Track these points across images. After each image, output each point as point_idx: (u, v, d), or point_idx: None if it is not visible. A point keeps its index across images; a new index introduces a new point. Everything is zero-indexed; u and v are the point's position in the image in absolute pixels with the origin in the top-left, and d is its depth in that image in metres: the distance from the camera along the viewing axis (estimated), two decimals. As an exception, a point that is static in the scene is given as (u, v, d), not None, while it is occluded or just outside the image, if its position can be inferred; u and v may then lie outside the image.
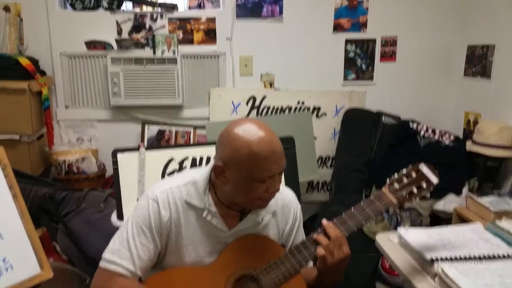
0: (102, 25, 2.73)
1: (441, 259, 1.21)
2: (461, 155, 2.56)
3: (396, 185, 1.27)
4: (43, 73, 2.62)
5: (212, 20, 2.82)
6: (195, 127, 2.87)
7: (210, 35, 2.84)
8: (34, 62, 2.53)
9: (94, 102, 2.80)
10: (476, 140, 2.43)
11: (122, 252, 1.19)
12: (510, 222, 1.44)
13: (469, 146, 2.48)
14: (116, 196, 1.91)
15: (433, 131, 2.73)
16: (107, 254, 1.21)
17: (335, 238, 1.20)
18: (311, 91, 2.92)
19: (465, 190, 2.47)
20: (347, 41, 2.96)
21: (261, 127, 1.15)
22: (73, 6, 2.73)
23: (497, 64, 2.60)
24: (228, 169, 1.16)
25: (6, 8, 2.53)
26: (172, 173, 1.98)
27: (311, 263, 1.26)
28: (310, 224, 2.67)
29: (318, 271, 1.25)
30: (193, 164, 2.03)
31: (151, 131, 2.83)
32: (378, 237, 1.51)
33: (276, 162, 1.14)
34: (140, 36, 2.75)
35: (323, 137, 2.95)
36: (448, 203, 2.39)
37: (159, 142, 2.83)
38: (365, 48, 2.99)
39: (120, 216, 1.88)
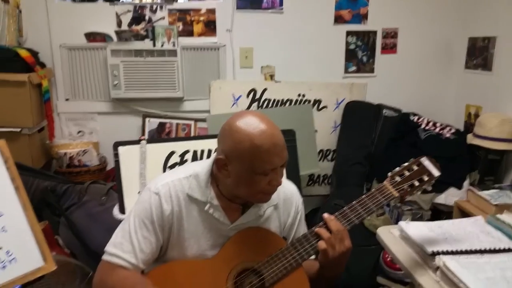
0: (102, 17, 2.71)
1: (443, 252, 1.22)
2: (462, 148, 2.56)
3: (398, 178, 1.27)
4: (43, 65, 2.60)
5: (212, 11, 2.80)
6: (195, 120, 2.87)
7: (210, 27, 2.82)
8: (34, 54, 2.51)
9: (95, 94, 2.79)
10: (477, 133, 2.43)
11: (124, 245, 1.20)
12: (511, 216, 1.44)
13: (470, 139, 2.48)
14: (118, 189, 1.91)
15: (434, 124, 2.73)
16: (109, 248, 1.21)
17: (336, 231, 1.20)
18: (311, 83, 2.91)
19: (466, 183, 2.47)
20: (348, 33, 2.95)
21: (262, 119, 1.15)
22: (72, -3, 2.71)
23: (498, 56, 2.59)
24: (230, 162, 1.16)
25: (5, 0, 2.51)
26: (173, 166, 1.99)
27: (313, 257, 1.26)
28: (311, 217, 2.67)
29: (320, 264, 1.26)
30: (194, 156, 2.03)
31: (152, 123, 2.83)
32: (379, 230, 1.52)
33: (278, 154, 1.14)
34: (139, 27, 2.73)
35: (324, 130, 2.95)
36: (449, 197, 2.40)
37: (159, 135, 2.83)
38: (366, 40, 2.98)
39: (122, 209, 1.88)
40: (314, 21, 2.90)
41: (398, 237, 1.44)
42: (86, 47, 2.72)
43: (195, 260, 1.24)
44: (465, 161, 2.54)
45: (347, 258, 1.23)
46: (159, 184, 1.25)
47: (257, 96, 2.87)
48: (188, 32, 2.81)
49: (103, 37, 2.70)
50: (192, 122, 2.87)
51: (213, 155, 1.25)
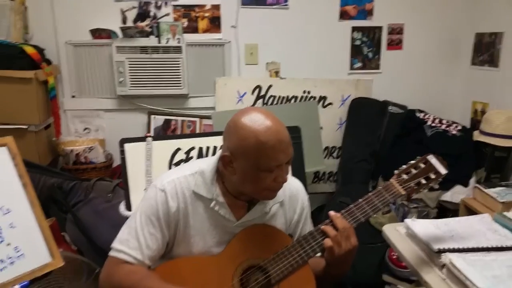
0: (107, 13, 2.71)
1: (449, 250, 1.21)
2: (468, 145, 2.55)
3: (404, 176, 1.27)
4: (49, 62, 2.61)
5: (216, 7, 2.80)
6: (201, 117, 2.87)
7: (215, 23, 2.82)
8: (40, 51, 2.52)
9: (100, 91, 2.80)
10: (484, 129, 2.41)
11: (131, 242, 1.20)
12: (518, 213, 1.44)
13: (477, 136, 2.47)
14: (124, 186, 1.92)
15: (440, 121, 2.71)
16: (116, 244, 1.22)
17: (342, 229, 1.20)
18: (317, 80, 2.90)
19: (472, 181, 2.46)
20: (354, 29, 2.93)
21: (268, 116, 1.15)
22: (77, -6, 2.71)
23: (505, 52, 2.57)
24: (235, 159, 1.16)
25: (11, -3, 2.52)
26: (179, 163, 1.99)
27: (318, 254, 1.26)
28: (317, 215, 2.67)
29: (326, 261, 1.26)
30: (200, 153, 2.03)
31: (157, 120, 2.84)
32: (385, 228, 1.52)
33: (284, 151, 1.14)
34: (144, 24, 2.73)
35: (329, 127, 2.94)
36: (455, 194, 2.40)
37: (165, 132, 2.83)
38: (372, 36, 2.97)
39: (128, 206, 1.89)
40: (319, 17, 2.88)
41: (404, 234, 1.43)
42: (92, 43, 2.73)
43: (201, 256, 1.24)
44: (471, 158, 2.53)
45: (353, 256, 1.23)
46: (165, 181, 1.25)
47: (262, 92, 2.86)
48: (193, 28, 2.81)
49: (108, 34, 2.71)
50: (197, 119, 2.88)
51: (219, 152, 1.25)
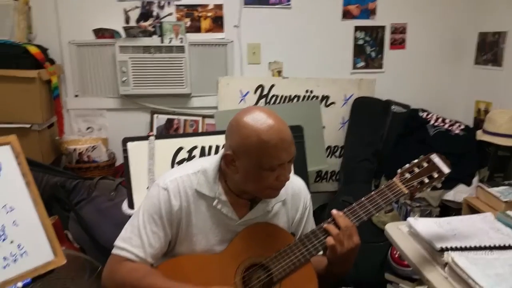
0: (110, 13, 2.72)
1: (451, 248, 1.21)
2: (471, 144, 2.54)
3: (407, 175, 1.26)
4: (52, 62, 2.62)
5: (219, 7, 2.80)
6: (203, 116, 2.87)
7: (218, 23, 2.82)
8: (43, 50, 2.53)
9: (104, 91, 2.81)
10: (487, 129, 2.41)
11: (133, 240, 1.21)
12: (521, 212, 1.43)
13: (480, 135, 2.46)
14: (127, 184, 1.92)
15: (443, 120, 2.71)
16: (118, 242, 1.23)
17: (345, 227, 1.20)
18: (319, 79, 2.90)
19: (475, 180, 2.46)
20: (356, 28, 2.93)
21: (270, 115, 1.15)
22: (80, -6, 2.72)
23: (508, 51, 2.56)
24: (238, 158, 1.16)
25: (15, -3, 2.53)
26: (181, 161, 1.99)
27: (321, 252, 1.26)
28: (319, 214, 2.68)
29: (328, 260, 1.26)
30: (202, 152, 2.04)
31: (160, 120, 2.84)
32: (387, 226, 1.51)
33: (286, 150, 1.14)
34: (147, 24, 2.74)
35: (332, 126, 2.94)
36: (458, 194, 2.39)
37: (168, 131, 2.84)
38: (375, 35, 2.96)
39: (131, 205, 1.90)
40: (322, 17, 2.88)
41: (407, 233, 1.43)
42: (95, 43, 2.74)
43: (203, 255, 1.25)
44: (474, 157, 2.53)
45: (356, 255, 1.23)
46: (167, 179, 1.25)
47: (265, 92, 2.86)
48: (195, 28, 2.81)
49: (111, 34, 2.71)
50: (200, 119, 2.88)
51: (221, 151, 1.25)
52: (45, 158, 2.48)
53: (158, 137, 2.01)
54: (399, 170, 1.28)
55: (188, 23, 2.79)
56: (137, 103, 2.83)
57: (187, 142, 2.03)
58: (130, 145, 1.95)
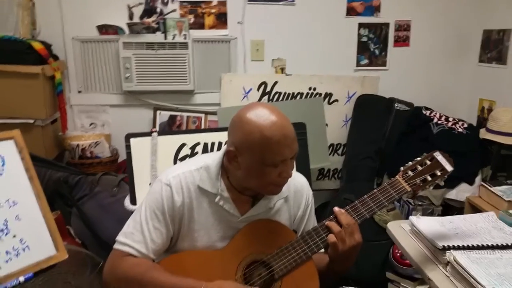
0: (114, 9, 2.72)
1: (453, 247, 1.21)
2: (474, 143, 2.53)
3: (410, 173, 1.26)
4: (56, 58, 2.62)
5: (223, 3, 2.79)
6: (206, 113, 2.87)
7: (221, 19, 2.82)
8: (47, 46, 2.53)
9: (107, 87, 2.81)
10: (490, 127, 2.40)
11: (136, 235, 1.21)
12: (524, 211, 1.43)
13: (483, 133, 2.46)
14: (129, 180, 1.93)
15: (446, 119, 2.70)
16: (120, 237, 1.23)
17: (347, 225, 1.20)
18: (322, 76, 2.89)
19: (478, 179, 2.45)
20: (360, 25, 2.92)
21: (273, 111, 1.15)
22: (84, -11, 2.72)
23: (513, 50, 2.55)
24: (240, 154, 1.16)
25: (19, -7, 2.53)
26: (184, 158, 2.00)
27: (322, 250, 1.26)
28: (321, 212, 2.68)
29: (329, 257, 1.26)
30: (205, 149, 2.04)
31: (163, 116, 2.84)
32: (389, 224, 1.51)
33: (289, 146, 1.14)
34: (151, 20, 2.73)
35: (335, 124, 2.94)
36: (460, 192, 2.39)
37: (170, 127, 2.84)
38: (378, 32, 2.95)
39: (133, 201, 1.90)
40: (326, 13, 2.87)
41: (409, 231, 1.43)
42: (99, 39, 2.74)
43: (205, 251, 1.25)
44: (477, 156, 2.52)
45: (357, 252, 1.23)
46: (170, 175, 1.25)
47: (268, 89, 2.86)
48: (199, 24, 2.81)
49: (115, 30, 2.71)
50: (202, 115, 2.88)
51: (224, 147, 1.25)
52: (48, 153, 2.49)
53: (160, 133, 2.01)
54: (402, 168, 1.28)
55: (192, 20, 2.79)
56: (140, 99, 2.83)
57: (189, 139, 2.03)
58: (133, 141, 1.95)
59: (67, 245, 1.53)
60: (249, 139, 1.13)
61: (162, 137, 1.99)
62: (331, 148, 2.97)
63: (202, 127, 2.86)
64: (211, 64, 2.84)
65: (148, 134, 1.98)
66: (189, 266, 1.22)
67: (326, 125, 2.80)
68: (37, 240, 1.27)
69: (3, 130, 1.33)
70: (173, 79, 2.73)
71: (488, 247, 1.22)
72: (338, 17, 2.89)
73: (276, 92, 2.86)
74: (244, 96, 2.85)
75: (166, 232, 1.23)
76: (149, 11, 2.75)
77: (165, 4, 2.76)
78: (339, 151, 3.00)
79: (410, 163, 1.29)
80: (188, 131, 2.57)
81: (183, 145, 2.01)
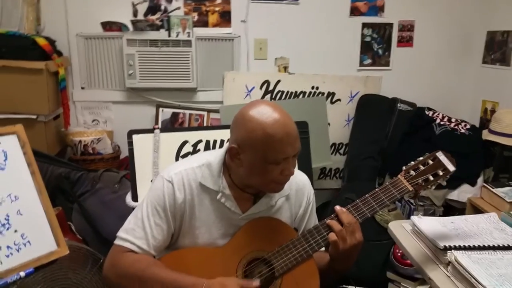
0: (118, 6, 2.72)
1: (455, 247, 1.20)
2: (477, 144, 2.53)
3: (412, 172, 1.26)
4: (59, 54, 2.63)
5: (227, 1, 2.79)
6: (208, 111, 2.87)
7: (225, 18, 2.82)
8: (51, 42, 2.54)
9: (110, 83, 2.81)
10: (493, 129, 2.39)
11: (137, 232, 1.21)
12: (526, 213, 1.42)
13: (486, 135, 2.45)
14: (131, 177, 1.93)
15: (449, 119, 2.69)
16: (121, 233, 1.23)
17: (348, 224, 1.20)
18: (325, 76, 2.89)
19: (480, 180, 2.44)
20: (364, 25, 2.92)
21: (276, 109, 1.15)
22: (89, -14, 2.73)
23: (517, 51, 2.54)
24: (242, 151, 1.16)
25: (23, -12, 2.54)
26: (186, 155, 2.00)
27: (323, 249, 1.26)
28: (322, 211, 2.68)
29: (330, 256, 1.25)
30: (207, 146, 2.04)
31: (165, 113, 2.84)
32: (391, 224, 1.51)
33: (291, 144, 1.14)
34: (155, 17, 2.74)
35: (337, 123, 2.93)
36: (462, 193, 2.38)
37: (172, 125, 2.84)
38: (382, 32, 2.95)
39: (135, 197, 1.90)
40: (330, 13, 2.87)
41: (410, 231, 1.43)
42: (102, 36, 2.74)
43: (206, 248, 1.25)
44: (480, 157, 2.51)
45: (358, 251, 1.23)
46: (172, 172, 1.25)
47: (271, 87, 2.86)
48: (203, 22, 2.81)
49: (119, 27, 2.72)
50: (205, 113, 2.88)
51: (226, 145, 1.25)
52: (50, 149, 2.49)
53: (163, 130, 2.01)
54: (404, 167, 1.28)
55: (196, 18, 2.79)
56: (143, 96, 2.84)
57: (192, 136, 2.03)
58: (135, 137, 1.95)
59: (68, 241, 1.53)
60: (251, 136, 1.13)
61: (164, 134, 1.99)
62: (333, 148, 2.97)
63: (204, 125, 2.86)
64: (214, 62, 2.84)
65: (151, 131, 1.98)
66: (190, 263, 1.22)
67: (329, 124, 2.80)
68: (38, 235, 1.27)
69: (6, 125, 1.34)
70: (176, 76, 2.74)
71: (489, 248, 1.21)
72: (341, 16, 2.89)
73: (279, 91, 2.86)
74: (247, 95, 2.85)
75: (167, 228, 1.23)
76: (153, 9, 2.76)
77: (169, 1, 2.76)
78: (341, 151, 3.00)
79: (413, 162, 1.28)
80: (190, 128, 2.58)
81: (185, 142, 2.01)
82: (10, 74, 2.32)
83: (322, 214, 1.36)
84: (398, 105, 2.79)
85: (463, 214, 2.29)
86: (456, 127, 2.63)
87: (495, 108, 2.72)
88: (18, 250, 1.22)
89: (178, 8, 2.77)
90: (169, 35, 2.71)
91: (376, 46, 2.96)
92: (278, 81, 2.85)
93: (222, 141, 2.04)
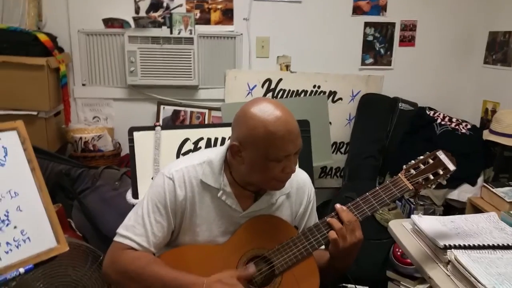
0: (120, 3, 2.72)
1: (454, 246, 1.20)
2: (477, 144, 2.53)
3: (413, 171, 1.26)
4: (61, 50, 2.63)
5: (229, -1, 2.80)
6: (210, 108, 2.87)
7: (227, 15, 2.81)
8: (53, 38, 2.54)
9: (111, 80, 2.81)
10: (494, 129, 2.39)
11: (137, 229, 1.21)
12: (527, 213, 1.42)
13: (486, 135, 2.45)
14: (132, 174, 1.92)
15: (450, 119, 2.69)
16: (121, 230, 1.23)
17: (348, 222, 1.20)
18: (327, 75, 2.88)
19: (480, 180, 2.44)
20: (366, 24, 2.91)
21: (277, 106, 1.15)
22: (91, -17, 2.72)
23: (519, 52, 2.54)
24: (244, 149, 1.16)
25: (26, -15, 2.54)
26: (187, 152, 2.00)
27: (323, 247, 1.26)
28: (322, 210, 2.67)
29: (330, 254, 1.25)
30: (208, 144, 2.04)
31: (167, 111, 2.84)
32: (391, 223, 1.51)
33: (293, 141, 1.14)
34: (157, 14, 2.73)
35: (338, 122, 2.93)
36: (462, 193, 2.38)
37: (174, 122, 2.84)
38: (384, 32, 2.94)
39: (135, 194, 1.90)
40: (332, 12, 2.87)
41: (410, 230, 1.43)
42: (104, 32, 2.74)
43: (206, 245, 1.25)
44: (480, 157, 2.51)
45: (358, 250, 1.23)
46: (173, 169, 1.25)
47: (272, 86, 2.86)
48: (205, 20, 2.80)
49: (121, 23, 2.71)
50: (206, 111, 2.88)
51: (227, 142, 1.25)
52: (51, 145, 2.49)
53: (164, 127, 2.00)
54: (404, 166, 1.28)
55: (198, 15, 2.78)
56: (144, 94, 2.83)
57: (193, 134, 2.03)
58: (136, 134, 1.95)
59: (68, 238, 1.53)
60: (253, 133, 1.13)
61: (165, 132, 1.99)
62: (334, 146, 2.97)
63: (206, 122, 2.86)
64: (216, 59, 2.84)
65: (152, 128, 1.98)
66: (190, 260, 1.22)
67: (330, 123, 2.80)
68: (38, 231, 1.27)
69: (6, 121, 1.34)
70: (177, 74, 2.73)
71: (489, 247, 1.22)
72: (344, 15, 2.88)
73: (281, 89, 2.86)
74: (249, 93, 2.85)
75: (167, 226, 1.23)
76: (155, 5, 2.75)
77: (172, -1, 2.76)
78: (342, 150, 3.00)
79: (413, 161, 1.28)
80: (191, 126, 2.58)
81: (186, 139, 2.01)
82: (11, 70, 2.32)
83: (323, 213, 1.36)
84: (400, 104, 2.79)
85: (463, 213, 2.29)
86: (457, 127, 2.63)
87: (496, 108, 2.72)
88: (17, 247, 1.22)
89: (180, 5, 2.76)
90: (171, 32, 2.71)
91: (378, 46, 2.95)
92: (280, 80, 2.85)
93: (223, 139, 2.04)
